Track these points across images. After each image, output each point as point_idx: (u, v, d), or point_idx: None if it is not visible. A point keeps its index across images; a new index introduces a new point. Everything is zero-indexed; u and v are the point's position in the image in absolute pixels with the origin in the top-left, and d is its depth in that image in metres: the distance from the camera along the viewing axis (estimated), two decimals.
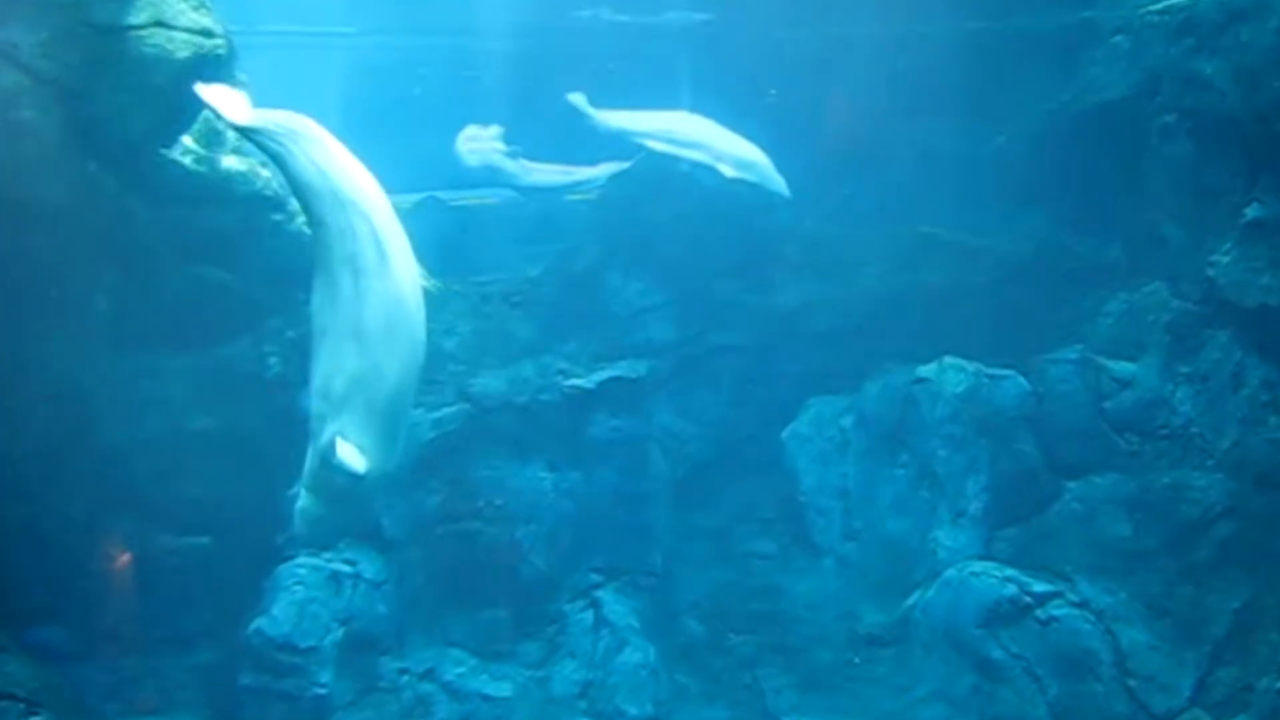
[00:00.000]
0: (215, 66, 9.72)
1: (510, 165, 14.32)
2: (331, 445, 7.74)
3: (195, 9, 9.54)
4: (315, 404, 8.01)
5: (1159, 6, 10.85)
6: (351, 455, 7.75)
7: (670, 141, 11.79)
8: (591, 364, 11.07)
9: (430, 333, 10.69)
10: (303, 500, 8.18)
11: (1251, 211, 9.93)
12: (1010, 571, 10.23)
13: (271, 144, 8.42)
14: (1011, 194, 11.86)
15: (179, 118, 9.76)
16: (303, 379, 10.23)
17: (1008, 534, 10.50)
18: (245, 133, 8.64)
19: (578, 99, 12.17)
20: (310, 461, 8.01)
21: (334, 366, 7.93)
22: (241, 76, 10.25)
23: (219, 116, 8.67)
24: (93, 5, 9.14)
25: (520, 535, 10.55)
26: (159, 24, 9.31)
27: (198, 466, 10.11)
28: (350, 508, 8.43)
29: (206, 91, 8.66)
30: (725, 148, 11.65)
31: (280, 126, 8.39)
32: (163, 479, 10.04)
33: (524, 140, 14.62)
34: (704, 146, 11.68)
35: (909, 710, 10.31)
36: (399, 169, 14.13)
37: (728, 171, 11.47)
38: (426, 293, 10.88)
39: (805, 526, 11.07)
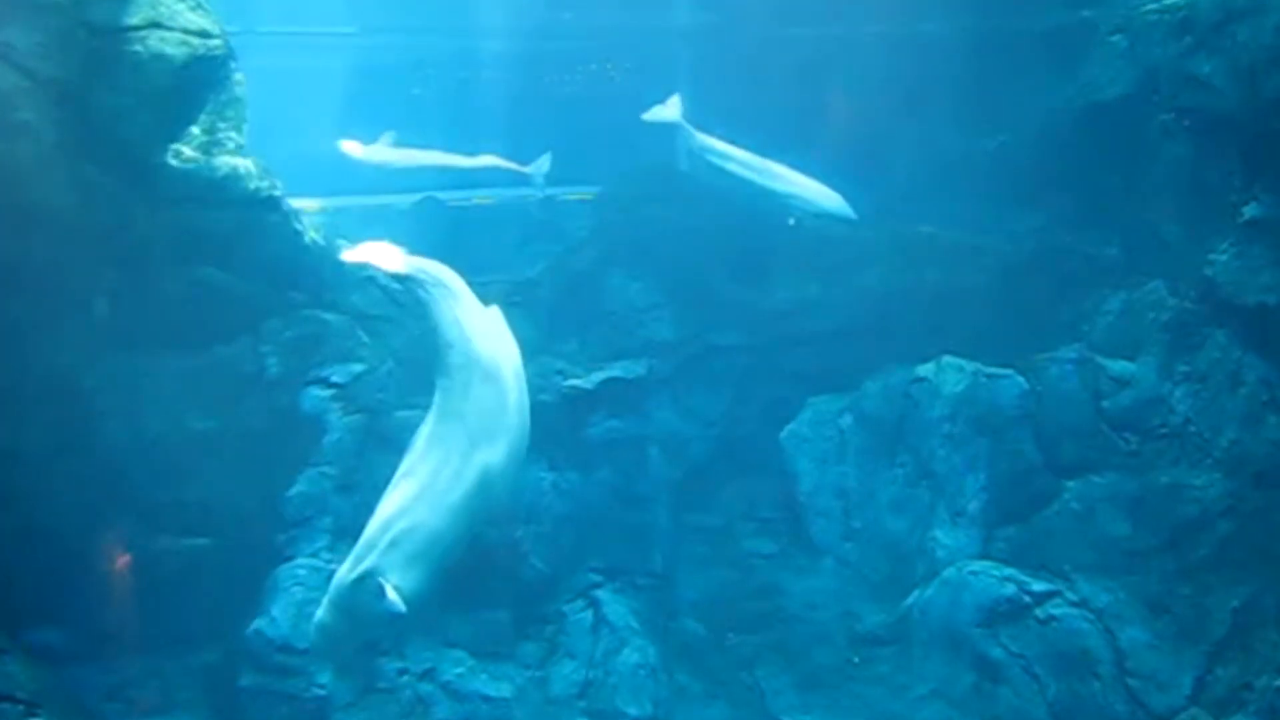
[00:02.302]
0: (213, 68, 9.74)
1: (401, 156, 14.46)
2: (380, 586, 7.95)
3: (192, 10, 9.56)
4: (371, 529, 8.23)
5: (1157, 5, 10.84)
6: (395, 596, 7.97)
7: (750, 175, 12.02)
8: (591, 364, 11.08)
9: None
10: (324, 615, 8.27)
11: (1249, 210, 9.93)
12: (1009, 571, 10.24)
13: (419, 290, 8.82)
14: (1010, 193, 11.86)
15: (177, 118, 9.76)
16: (302, 379, 10.36)
17: (1006, 533, 10.50)
18: (398, 279, 9.01)
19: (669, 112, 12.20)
20: (343, 580, 8.17)
21: (403, 512, 8.20)
22: (238, 77, 10.30)
23: (376, 269, 9.13)
24: (90, 7, 9.15)
25: (520, 535, 10.54)
26: (156, 25, 9.32)
27: (197, 467, 10.10)
28: (372, 632, 8.71)
29: (357, 253, 9.08)
30: (804, 192, 11.97)
31: (427, 275, 8.83)
32: (162, 480, 10.03)
33: (523, 140, 14.62)
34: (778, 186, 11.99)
35: (909, 709, 10.31)
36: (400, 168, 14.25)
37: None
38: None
39: (804, 526, 11.07)
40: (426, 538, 8.14)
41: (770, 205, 12.11)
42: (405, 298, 9.23)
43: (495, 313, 8.95)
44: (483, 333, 8.75)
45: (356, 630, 8.37)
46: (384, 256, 8.98)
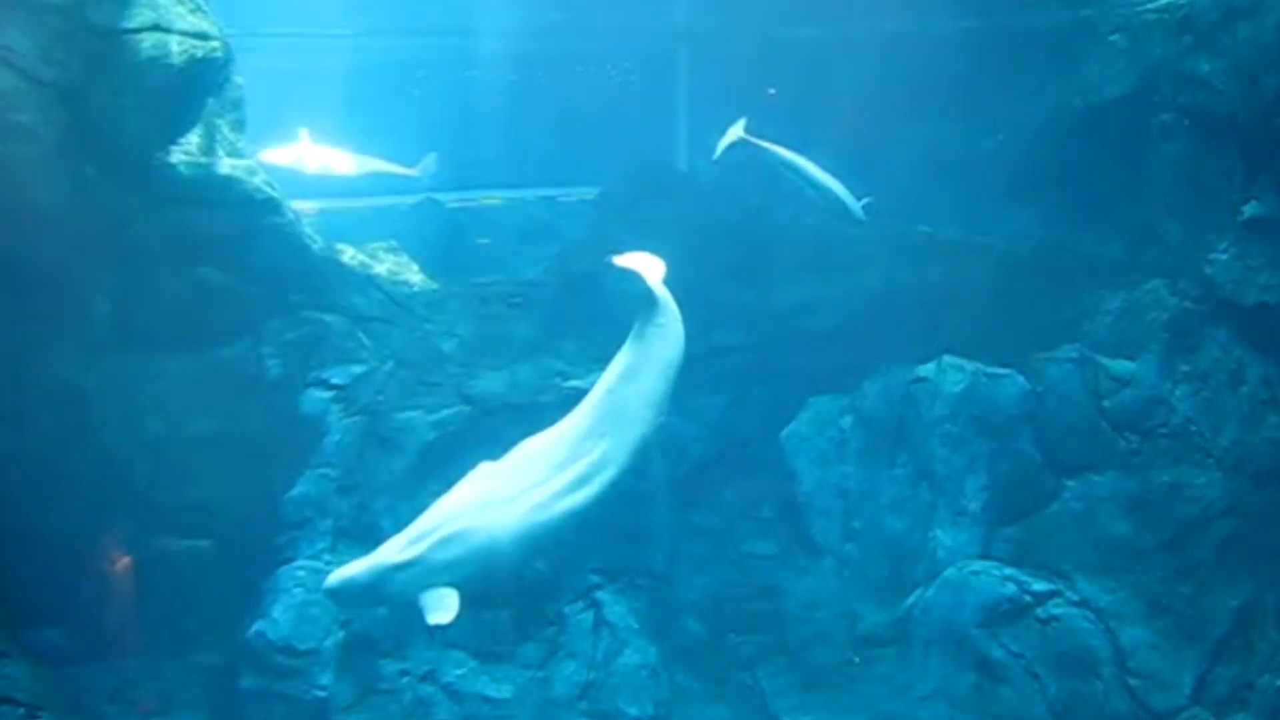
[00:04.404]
0: (212, 69, 9.75)
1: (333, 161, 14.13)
2: (444, 597, 7.96)
3: (192, 12, 9.57)
4: (436, 513, 8.20)
5: (1157, 5, 10.84)
6: (448, 616, 7.97)
7: (803, 176, 12.16)
8: (591, 365, 11.02)
9: (429, 334, 10.85)
10: (358, 575, 8.20)
11: (1249, 209, 9.92)
12: (1010, 570, 10.24)
13: (647, 320, 8.69)
14: (1010, 192, 11.86)
15: (177, 120, 9.78)
16: (302, 380, 10.35)
17: (1007, 533, 10.49)
18: (645, 296, 8.75)
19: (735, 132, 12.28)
20: (388, 559, 8.11)
21: (475, 511, 8.14)
22: (238, 79, 10.31)
23: (643, 281, 8.80)
24: (90, 9, 9.16)
25: None
26: (156, 27, 9.33)
27: (198, 469, 10.11)
28: (388, 609, 8.75)
29: (627, 259, 8.88)
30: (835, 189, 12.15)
31: (663, 317, 8.73)
32: (163, 481, 10.05)
33: (522, 141, 14.62)
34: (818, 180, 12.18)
35: (910, 709, 10.31)
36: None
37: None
38: (427, 295, 11.05)
39: (805, 526, 11.07)
40: (484, 548, 8.05)
41: (810, 198, 12.20)
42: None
43: (668, 382, 8.79)
44: (647, 399, 8.64)
45: (375, 601, 8.37)
46: (648, 269, 8.86)
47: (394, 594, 8.13)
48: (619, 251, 9.04)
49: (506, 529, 8.15)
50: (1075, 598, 10.07)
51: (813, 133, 12.57)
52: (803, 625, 10.79)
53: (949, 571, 10.38)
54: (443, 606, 7.97)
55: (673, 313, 8.85)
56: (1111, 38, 11.24)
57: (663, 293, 8.83)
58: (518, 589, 10.45)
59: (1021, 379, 10.66)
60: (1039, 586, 10.12)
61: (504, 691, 10.13)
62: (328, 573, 9.79)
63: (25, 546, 9.36)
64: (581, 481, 8.35)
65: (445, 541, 8.03)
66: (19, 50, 8.95)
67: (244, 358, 10.31)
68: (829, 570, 10.93)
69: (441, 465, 10.39)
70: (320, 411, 10.33)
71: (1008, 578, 10.19)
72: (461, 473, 10.23)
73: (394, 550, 8.11)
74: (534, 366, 10.96)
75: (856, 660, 10.59)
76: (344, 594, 8.34)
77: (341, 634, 9.93)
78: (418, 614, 8.07)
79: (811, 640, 10.72)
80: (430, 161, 14.14)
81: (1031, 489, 10.53)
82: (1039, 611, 10.06)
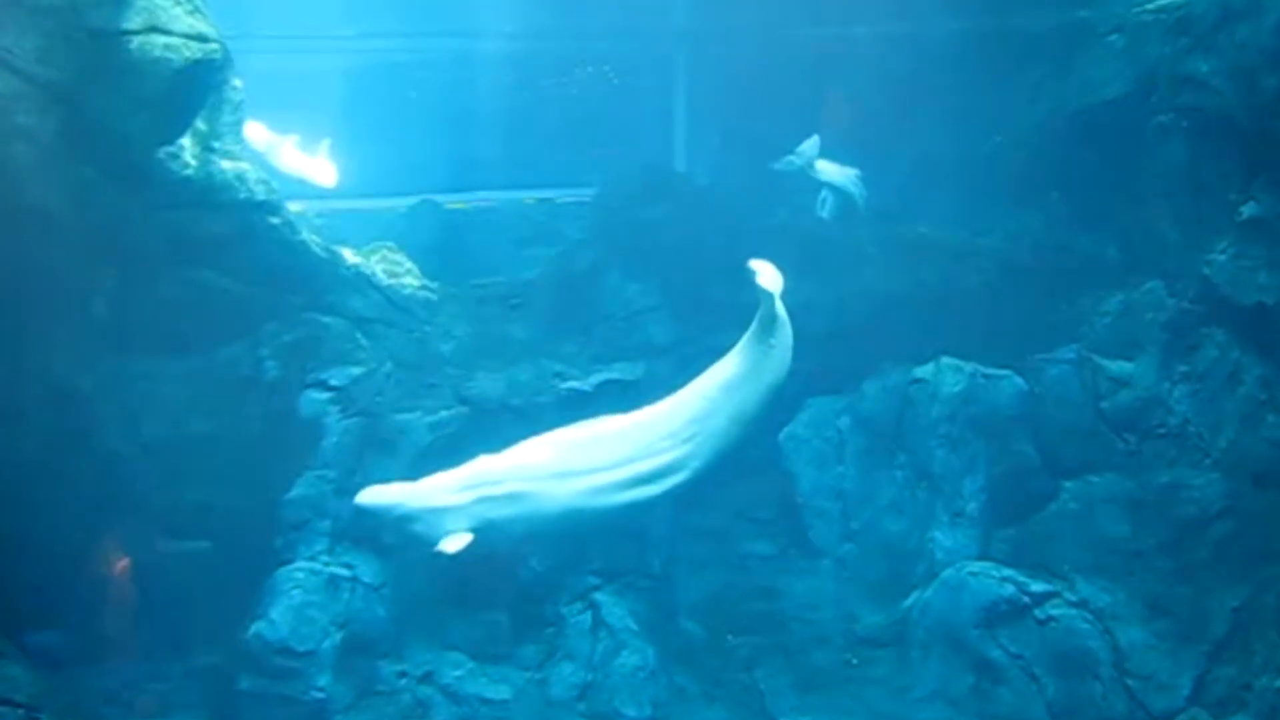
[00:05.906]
0: (210, 71, 9.74)
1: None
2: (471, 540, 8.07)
3: (190, 14, 9.55)
4: (490, 465, 8.22)
5: (1154, 5, 10.85)
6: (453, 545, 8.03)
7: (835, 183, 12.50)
8: (589, 366, 11.06)
9: (428, 336, 10.85)
10: (391, 503, 8.27)
11: (1248, 210, 9.92)
12: (1008, 571, 10.24)
13: (760, 335, 8.57)
14: (1008, 194, 11.86)
15: (174, 122, 9.76)
16: (300, 382, 10.34)
17: (1005, 534, 10.50)
18: (766, 309, 8.63)
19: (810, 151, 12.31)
20: (424, 504, 8.17)
21: (530, 476, 8.13)
22: (236, 81, 10.31)
23: (770, 299, 8.76)
24: (88, 10, 9.13)
25: None
26: (154, 29, 9.30)
27: (196, 470, 10.10)
28: (409, 542, 8.69)
29: (765, 268, 8.84)
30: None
31: (776, 336, 8.64)
32: (161, 483, 10.03)
33: (521, 143, 14.61)
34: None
35: (908, 710, 10.31)
36: (396, 172, 14.24)
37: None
38: (425, 297, 11.04)
39: (803, 527, 11.06)
40: (527, 516, 7.96)
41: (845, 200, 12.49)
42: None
43: (764, 405, 8.74)
44: (740, 416, 8.58)
45: (397, 533, 8.44)
46: (772, 282, 8.80)
47: (418, 533, 8.07)
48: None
49: (555, 505, 8.05)
50: (1073, 599, 10.07)
51: (811, 134, 12.58)
52: (801, 626, 10.79)
53: (947, 573, 10.38)
54: (456, 542, 7.96)
55: (787, 337, 8.76)
56: (1109, 38, 11.24)
57: (783, 313, 8.71)
58: (515, 590, 10.48)
59: (1019, 380, 10.67)
60: (1037, 587, 10.12)
61: (502, 693, 10.13)
62: (326, 574, 9.90)
63: (24, 548, 9.35)
64: (647, 479, 8.26)
65: (490, 500, 7.97)
66: (16, 51, 8.93)
67: (242, 359, 10.30)
68: (827, 571, 10.92)
69: (440, 467, 10.37)
70: (318, 413, 10.32)
71: (1006, 579, 10.20)
72: None
73: (437, 490, 8.02)
74: (532, 368, 10.95)
75: (855, 661, 10.59)
76: (371, 515, 8.33)
77: (340, 635, 9.93)
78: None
79: (810, 641, 10.72)
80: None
81: (1030, 490, 10.54)
82: (1037, 612, 10.06)
